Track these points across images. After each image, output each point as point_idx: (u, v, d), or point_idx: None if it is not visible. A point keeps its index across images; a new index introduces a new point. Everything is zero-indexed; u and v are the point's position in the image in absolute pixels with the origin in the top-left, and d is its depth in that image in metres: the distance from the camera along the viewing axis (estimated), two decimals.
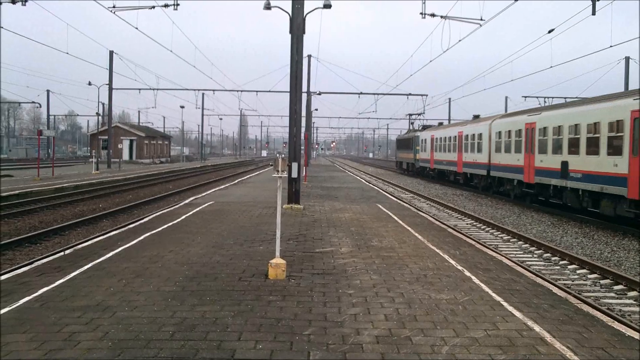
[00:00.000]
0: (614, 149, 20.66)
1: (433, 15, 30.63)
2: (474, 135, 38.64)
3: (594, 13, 24.37)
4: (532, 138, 28.29)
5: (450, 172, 45.39)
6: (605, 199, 21.40)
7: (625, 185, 19.70)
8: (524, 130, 29.37)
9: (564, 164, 24.56)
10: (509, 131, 31.99)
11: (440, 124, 60.05)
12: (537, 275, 11.60)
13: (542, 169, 26.99)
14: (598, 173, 21.66)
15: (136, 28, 36.07)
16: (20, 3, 28.44)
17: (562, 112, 25.47)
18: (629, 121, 19.60)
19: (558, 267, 14.73)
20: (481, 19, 29.21)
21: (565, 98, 51.63)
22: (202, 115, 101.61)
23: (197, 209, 20.42)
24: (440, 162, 47.64)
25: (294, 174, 19.94)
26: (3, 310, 7.70)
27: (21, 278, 9.78)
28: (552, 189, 26.03)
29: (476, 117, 44.73)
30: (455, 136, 43.14)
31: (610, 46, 32.02)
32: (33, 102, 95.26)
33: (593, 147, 22.23)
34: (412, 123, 69.23)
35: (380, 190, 33.50)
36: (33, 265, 11.00)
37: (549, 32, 29.81)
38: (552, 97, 57.36)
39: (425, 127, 59.42)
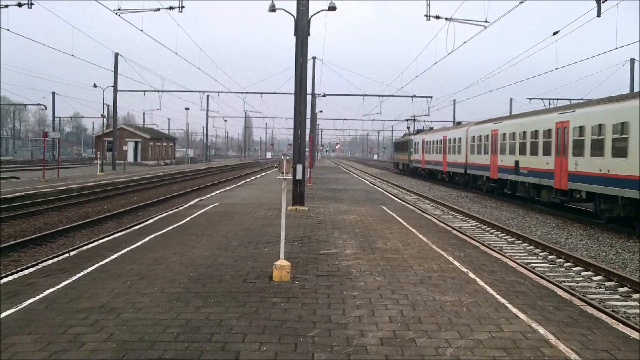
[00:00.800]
0: (545, 150, 27.00)
1: (438, 17, 30.68)
2: (455, 139, 44.65)
3: (599, 15, 24.33)
4: (495, 142, 34.62)
5: (438, 171, 51.07)
6: (543, 189, 27.52)
7: (552, 178, 25.98)
8: (490, 135, 35.67)
9: (516, 163, 30.66)
10: (480, 136, 38.18)
11: (431, 128, 65.01)
12: (541, 277, 11.59)
13: (502, 167, 33.36)
14: (537, 169, 27.96)
15: (141, 30, 36.26)
16: (26, 6, 28.52)
17: (515, 122, 31.92)
18: (554, 130, 26.00)
19: (563, 269, 14.71)
20: (486, 21, 29.26)
21: (570, 100, 51.61)
22: (207, 117, 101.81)
23: (202, 210, 20.44)
24: (430, 162, 53.80)
25: (299, 176, 19.96)
26: (10, 311, 7.72)
27: (27, 279, 9.81)
28: (509, 183, 32.51)
29: (458, 123, 53.77)
30: (441, 140, 49.03)
31: (616, 48, 31.97)
32: (39, 104, 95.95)
33: (534, 149, 28.49)
34: (409, 127, 79.39)
35: (385, 192, 33.49)
36: (38, 267, 11.03)
37: (554, 33, 29.79)
38: (557, 99, 57.23)
39: (418, 132, 65.10)
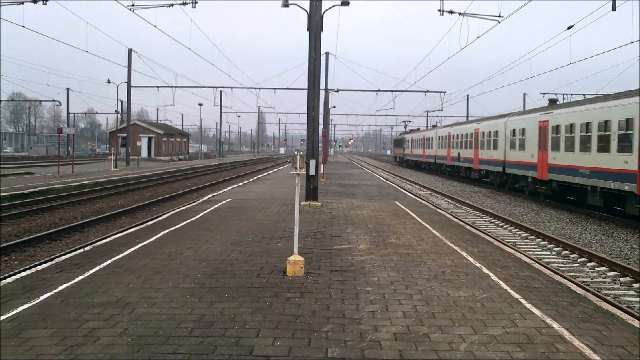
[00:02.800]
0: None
1: (451, 12, 30.52)
2: (430, 137, 60.45)
3: (614, 9, 24.15)
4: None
5: (420, 161, 67.13)
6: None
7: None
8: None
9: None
10: (445, 135, 50.83)
11: (418, 129, 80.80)
12: (555, 273, 11.54)
13: (454, 157, 47.07)
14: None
15: (155, 26, 36.32)
16: (41, 2, 28.67)
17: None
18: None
19: (577, 265, 14.64)
20: (499, 16, 29.06)
21: (584, 95, 51.30)
22: (220, 112, 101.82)
23: (216, 206, 20.50)
24: (415, 155, 71.41)
25: (312, 171, 19.96)
26: (26, 306, 7.79)
27: (42, 274, 9.88)
28: (463, 170, 36.59)
29: (434, 126, 72.28)
30: (422, 138, 65.86)
31: (631, 42, 31.65)
32: (53, 100, 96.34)
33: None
34: (406, 127, 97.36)
35: (398, 187, 33.44)
36: (53, 262, 11.10)
37: (568, 28, 29.60)
38: (571, 94, 56.86)
39: (411, 131, 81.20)
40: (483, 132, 40.00)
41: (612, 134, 21.48)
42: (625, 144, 20.62)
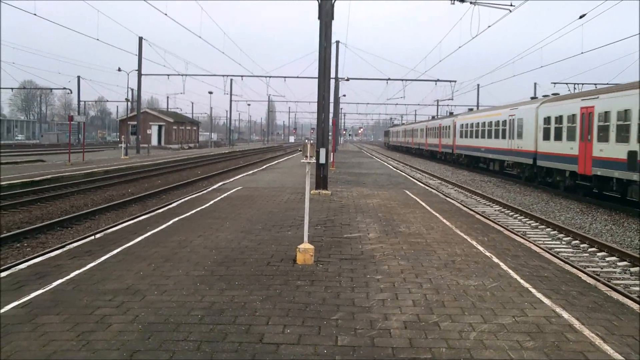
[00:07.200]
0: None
1: (462, 0, 30.30)
2: (410, 130, 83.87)
3: None
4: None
5: (402, 147, 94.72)
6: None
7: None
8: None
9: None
10: (414, 129, 74.55)
11: (404, 122, 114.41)
12: (565, 262, 11.52)
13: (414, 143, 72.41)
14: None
15: (165, 14, 36.32)
16: None
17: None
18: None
19: (587, 254, 14.60)
20: (511, 5, 28.80)
21: (595, 84, 50.97)
22: (231, 101, 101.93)
23: (226, 194, 20.55)
24: (397, 142, 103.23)
25: (322, 160, 19.96)
26: (38, 292, 7.85)
27: (54, 261, 9.95)
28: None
29: (405, 123, 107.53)
30: (402, 130, 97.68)
31: None
32: (64, 88, 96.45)
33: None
34: (393, 121, 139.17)
35: (408, 177, 33.40)
36: (65, 249, 11.17)
37: (581, 17, 29.35)
38: (582, 84, 56.52)
39: (395, 125, 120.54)
40: (442, 125, 59.40)
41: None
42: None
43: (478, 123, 43.48)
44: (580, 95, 26.85)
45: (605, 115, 23.20)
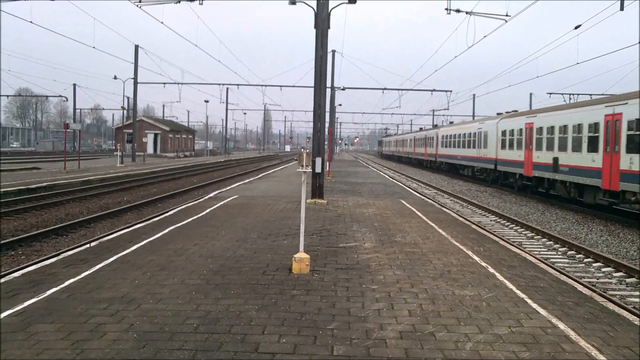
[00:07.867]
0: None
1: (458, 10, 30.38)
2: (400, 140, 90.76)
3: (622, 8, 24.04)
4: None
5: (394, 155, 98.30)
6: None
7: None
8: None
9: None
10: (404, 139, 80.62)
11: (396, 133, 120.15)
12: (561, 273, 11.51)
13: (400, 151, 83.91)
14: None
15: (162, 22, 36.35)
16: None
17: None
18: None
19: (583, 265, 14.61)
20: (507, 15, 28.94)
21: (591, 95, 51.27)
22: (227, 109, 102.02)
23: (222, 202, 20.52)
24: (390, 151, 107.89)
25: (318, 169, 19.96)
26: (32, 300, 7.82)
27: (49, 269, 9.91)
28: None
29: (396, 134, 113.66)
30: (394, 140, 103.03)
31: (639, 42, 31.51)
32: (60, 96, 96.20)
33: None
34: (387, 131, 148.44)
35: (404, 186, 33.41)
36: (60, 257, 11.14)
37: (576, 27, 29.49)
38: (578, 94, 56.82)
39: (387, 135, 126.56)
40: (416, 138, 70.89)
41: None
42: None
43: (455, 134, 49.94)
44: (525, 114, 33.84)
45: (539, 130, 29.47)
